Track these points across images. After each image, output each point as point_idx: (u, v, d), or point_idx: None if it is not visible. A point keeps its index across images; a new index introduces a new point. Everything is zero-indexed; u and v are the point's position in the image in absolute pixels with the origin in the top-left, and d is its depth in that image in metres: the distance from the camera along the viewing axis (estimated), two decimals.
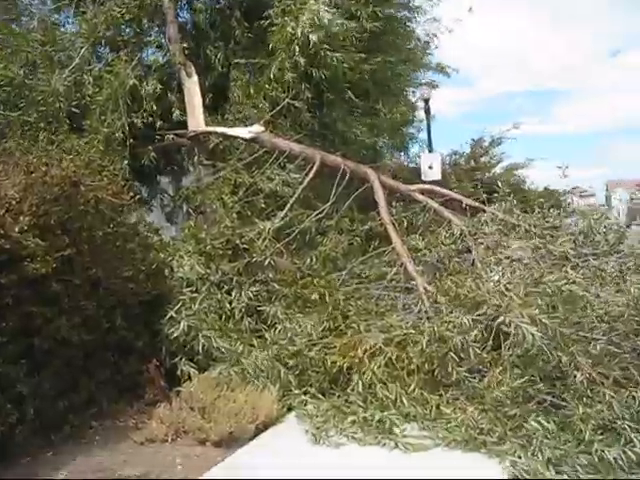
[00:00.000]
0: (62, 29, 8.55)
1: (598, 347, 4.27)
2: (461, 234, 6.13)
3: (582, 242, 5.92)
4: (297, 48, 7.17)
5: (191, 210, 7.85)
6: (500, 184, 7.12)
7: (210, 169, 7.74)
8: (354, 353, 4.97)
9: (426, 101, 15.06)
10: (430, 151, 14.67)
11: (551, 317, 4.33)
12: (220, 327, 5.27)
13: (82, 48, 7.82)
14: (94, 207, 4.65)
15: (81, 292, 4.41)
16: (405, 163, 14.29)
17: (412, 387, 4.62)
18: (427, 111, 15.21)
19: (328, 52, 7.26)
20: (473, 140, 16.43)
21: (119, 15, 7.78)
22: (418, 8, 10.21)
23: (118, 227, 4.93)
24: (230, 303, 5.54)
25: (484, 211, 6.51)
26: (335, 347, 5.15)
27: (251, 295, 5.67)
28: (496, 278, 5.40)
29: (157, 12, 7.92)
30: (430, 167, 12.76)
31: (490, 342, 4.68)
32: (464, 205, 6.71)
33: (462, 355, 4.66)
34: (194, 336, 5.06)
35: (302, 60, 7.27)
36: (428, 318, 5.25)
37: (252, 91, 7.80)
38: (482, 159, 16.22)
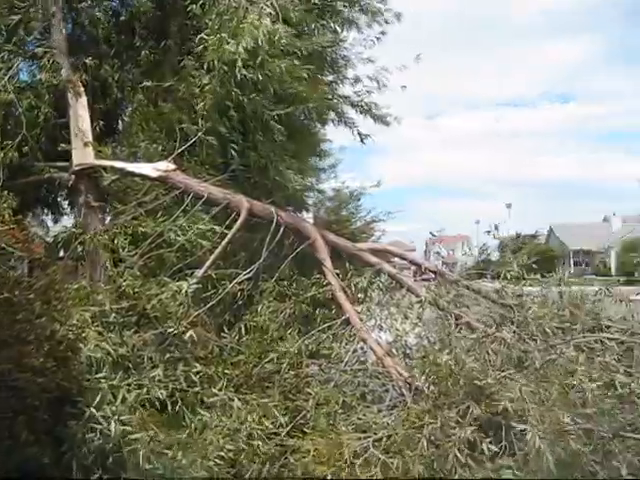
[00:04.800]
0: None
1: None
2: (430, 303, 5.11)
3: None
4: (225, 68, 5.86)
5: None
6: None
7: (99, 213, 6.16)
8: (338, 458, 3.72)
9: None
10: None
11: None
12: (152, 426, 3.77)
13: None
14: None
15: None
16: None
17: None
18: None
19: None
20: (335, 190, 15.70)
21: None
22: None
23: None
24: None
25: (439, 275, 5.58)
26: (304, 450, 3.88)
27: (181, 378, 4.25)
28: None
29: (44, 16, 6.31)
30: None
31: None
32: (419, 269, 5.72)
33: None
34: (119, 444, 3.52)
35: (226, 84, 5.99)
36: (408, 410, 4.16)
37: (154, 121, 6.38)
38: (343, 213, 15.55)
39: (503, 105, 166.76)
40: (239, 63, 5.76)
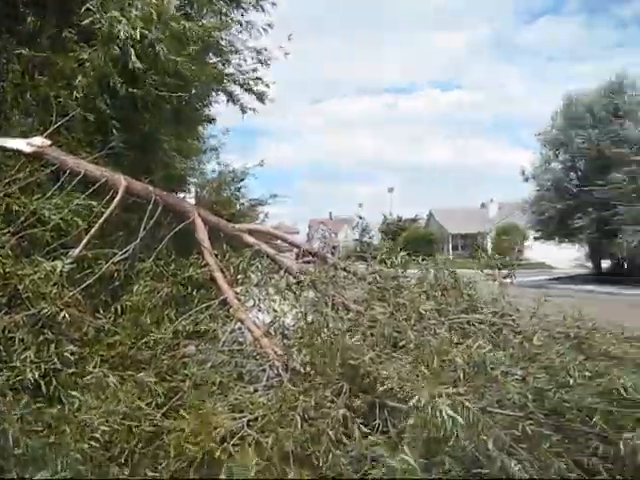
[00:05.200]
0: None
1: None
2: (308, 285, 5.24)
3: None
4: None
5: None
6: None
7: None
8: (212, 438, 3.78)
9: None
10: None
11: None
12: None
13: None
14: None
15: None
16: None
17: None
18: None
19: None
20: (219, 172, 15.51)
21: None
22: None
23: None
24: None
25: (322, 259, 5.73)
26: (179, 430, 3.91)
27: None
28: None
29: None
30: None
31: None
32: (300, 251, 5.84)
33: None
34: None
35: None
36: (284, 390, 4.27)
37: (30, 94, 6.11)
38: (224, 194, 15.38)
39: (391, 92, 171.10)
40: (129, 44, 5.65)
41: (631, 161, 33.99)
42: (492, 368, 4.13)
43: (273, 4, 7.87)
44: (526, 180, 43.45)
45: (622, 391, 3.95)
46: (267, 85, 8.11)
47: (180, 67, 6.13)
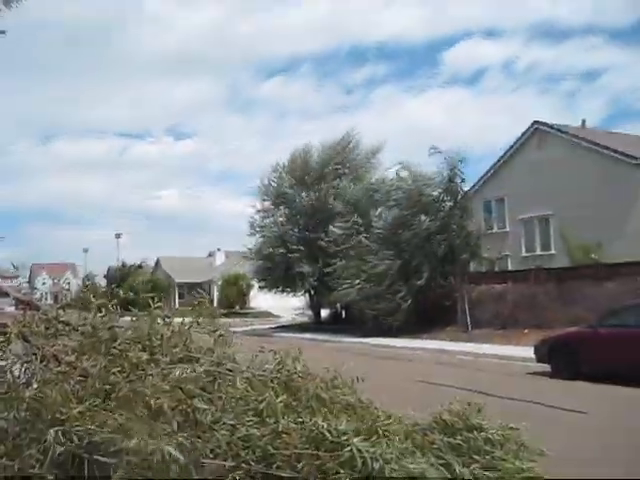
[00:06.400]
0: None
1: None
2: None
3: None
4: None
5: None
6: None
7: None
8: None
9: None
10: None
11: None
12: None
13: None
14: None
15: None
16: None
17: None
18: None
19: None
20: None
21: None
22: None
23: None
24: None
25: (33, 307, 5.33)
26: None
27: None
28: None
29: None
30: None
31: None
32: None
33: None
34: None
35: None
36: None
37: None
38: None
39: (128, 137, 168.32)
40: None
41: (347, 218, 36.99)
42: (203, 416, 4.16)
43: None
44: (253, 232, 44.90)
45: (327, 434, 4.18)
46: None
47: None
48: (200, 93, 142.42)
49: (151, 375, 4.68)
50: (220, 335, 5.53)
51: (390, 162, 41.62)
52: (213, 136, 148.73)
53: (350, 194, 38.91)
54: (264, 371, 5.20)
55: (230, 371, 5.14)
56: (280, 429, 4.18)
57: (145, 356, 4.92)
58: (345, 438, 4.06)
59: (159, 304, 5.57)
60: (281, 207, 43.95)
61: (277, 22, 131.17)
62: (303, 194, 41.73)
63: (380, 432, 4.29)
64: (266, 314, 55.13)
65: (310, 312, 47.15)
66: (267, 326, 44.05)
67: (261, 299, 54.91)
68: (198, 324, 5.55)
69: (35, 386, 4.22)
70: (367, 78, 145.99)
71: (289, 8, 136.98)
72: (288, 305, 49.71)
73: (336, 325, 40.57)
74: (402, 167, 35.13)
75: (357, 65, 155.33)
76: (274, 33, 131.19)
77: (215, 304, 56.50)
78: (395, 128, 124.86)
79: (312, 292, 43.87)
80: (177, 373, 4.77)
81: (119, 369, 4.70)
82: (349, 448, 3.96)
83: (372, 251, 33.73)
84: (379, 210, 36.26)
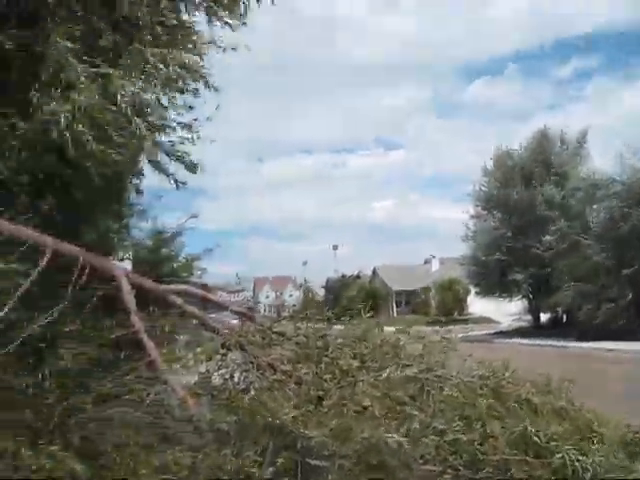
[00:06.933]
0: None
1: None
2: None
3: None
4: None
5: None
6: None
7: None
8: None
9: None
10: None
11: None
12: None
13: None
14: None
15: None
16: None
17: None
18: None
19: None
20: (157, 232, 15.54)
21: None
22: None
23: None
24: None
25: (249, 319, 5.80)
26: None
27: None
28: None
29: None
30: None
31: None
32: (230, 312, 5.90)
33: None
34: None
35: None
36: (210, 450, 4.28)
37: None
38: (163, 251, 15.42)
39: (335, 150, 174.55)
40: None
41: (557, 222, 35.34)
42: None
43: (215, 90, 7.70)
44: (466, 238, 44.52)
45: (536, 439, 4.10)
46: (194, 165, 7.91)
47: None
48: (407, 101, 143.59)
49: (362, 381, 4.89)
50: (438, 341, 5.61)
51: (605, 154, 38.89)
52: (422, 143, 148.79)
53: (559, 198, 37.45)
54: (472, 377, 5.21)
55: (439, 377, 5.21)
56: (487, 433, 4.17)
57: (356, 363, 5.15)
58: (555, 444, 3.96)
59: (371, 312, 5.80)
60: (493, 211, 43.09)
61: (477, 23, 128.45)
62: (514, 196, 40.40)
63: (593, 438, 4.12)
64: (486, 320, 53.77)
65: (529, 317, 45.54)
66: (485, 332, 43.02)
67: (478, 305, 53.69)
68: (408, 334, 5.69)
69: (252, 393, 4.57)
70: (575, 72, 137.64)
71: (487, 8, 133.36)
72: (504, 310, 48.21)
73: (556, 329, 38.71)
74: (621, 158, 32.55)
75: (564, 60, 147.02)
76: (475, 35, 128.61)
77: (433, 310, 56.57)
78: (612, 120, 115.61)
79: (531, 297, 42.41)
80: (387, 379, 4.95)
81: (330, 376, 4.97)
82: (560, 455, 3.86)
83: (589, 249, 31.75)
84: (594, 207, 34.00)
